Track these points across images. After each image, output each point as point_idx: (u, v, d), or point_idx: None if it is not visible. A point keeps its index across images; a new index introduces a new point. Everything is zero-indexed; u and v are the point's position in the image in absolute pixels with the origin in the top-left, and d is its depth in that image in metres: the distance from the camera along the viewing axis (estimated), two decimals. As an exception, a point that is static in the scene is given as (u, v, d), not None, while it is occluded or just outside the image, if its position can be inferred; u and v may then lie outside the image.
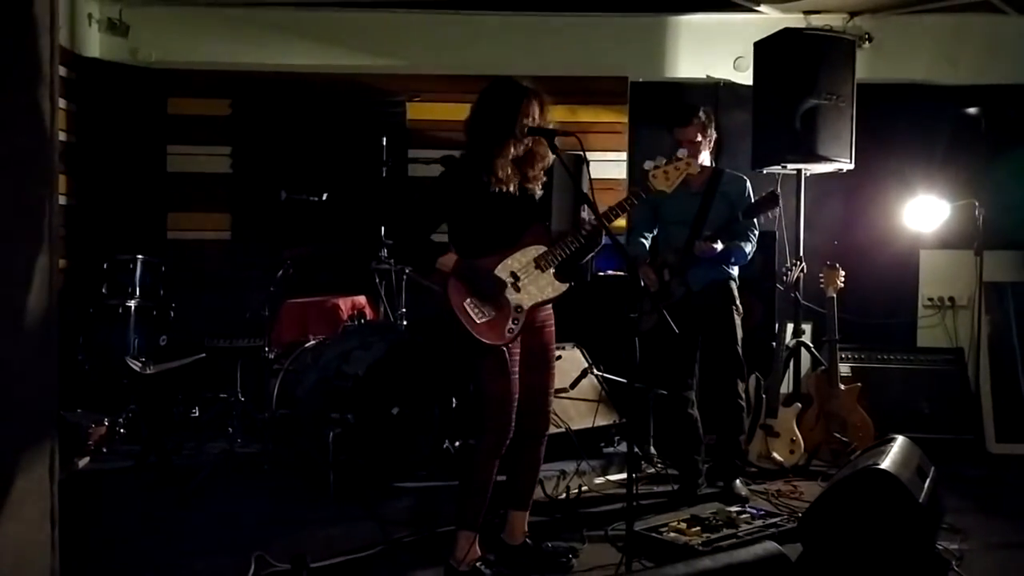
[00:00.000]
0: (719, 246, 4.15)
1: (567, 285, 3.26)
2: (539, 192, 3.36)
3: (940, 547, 3.39)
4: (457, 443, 4.60)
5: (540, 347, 3.33)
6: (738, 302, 4.35)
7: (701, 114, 4.28)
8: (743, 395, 4.42)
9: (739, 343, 4.33)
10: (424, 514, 3.87)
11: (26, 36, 2.42)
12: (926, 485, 3.27)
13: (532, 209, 3.33)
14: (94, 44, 6.21)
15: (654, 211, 4.42)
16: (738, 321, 4.33)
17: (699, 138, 4.26)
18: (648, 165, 3.33)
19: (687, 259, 4.22)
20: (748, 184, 4.39)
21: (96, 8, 6.18)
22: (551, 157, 3.28)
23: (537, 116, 3.21)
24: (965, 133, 6.15)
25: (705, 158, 4.33)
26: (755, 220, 4.29)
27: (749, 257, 4.34)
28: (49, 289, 2.63)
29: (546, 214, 3.43)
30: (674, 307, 4.15)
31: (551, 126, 3.24)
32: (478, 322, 3.10)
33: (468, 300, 3.12)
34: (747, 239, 4.29)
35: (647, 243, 4.45)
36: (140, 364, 4.68)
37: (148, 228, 6.20)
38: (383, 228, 5.24)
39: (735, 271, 4.39)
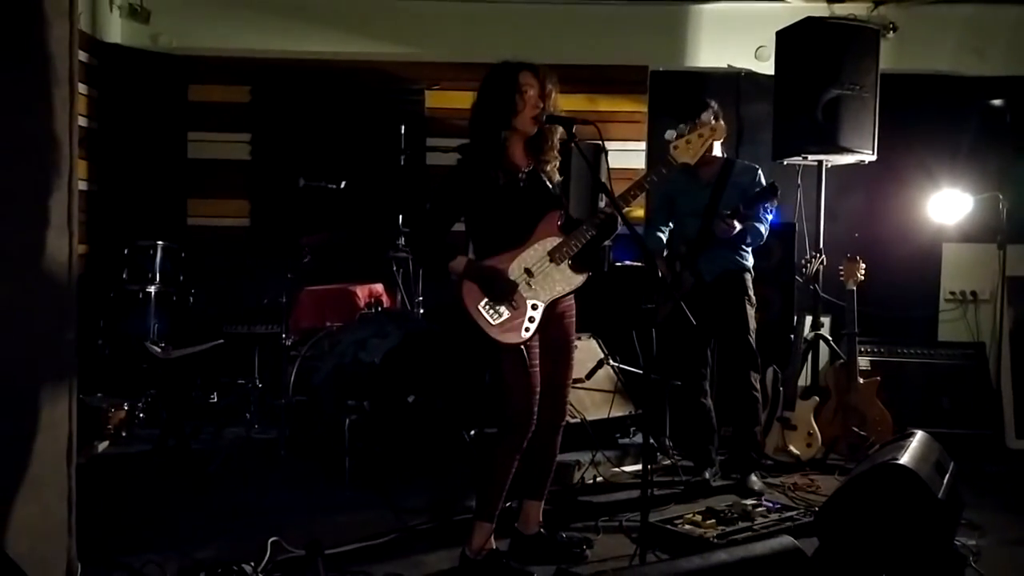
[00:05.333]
0: (738, 226, 4.14)
1: (584, 276, 3.20)
2: (557, 176, 3.31)
3: (957, 543, 3.36)
4: (472, 432, 4.60)
5: (560, 338, 3.29)
6: (751, 292, 4.34)
7: (709, 111, 4.16)
8: (758, 387, 4.41)
9: (752, 334, 4.32)
10: (439, 502, 3.88)
11: (41, 23, 2.43)
12: (945, 481, 3.24)
13: (546, 196, 3.25)
14: (115, 30, 6.23)
15: (670, 204, 4.44)
16: (750, 312, 4.32)
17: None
18: (670, 135, 3.20)
19: (698, 249, 4.25)
20: (759, 172, 4.38)
21: (118, -7, 6.21)
22: (559, 133, 3.22)
23: (535, 87, 3.14)
24: (990, 125, 6.08)
25: (716, 150, 4.30)
26: (768, 203, 4.26)
27: (764, 238, 4.33)
28: (68, 274, 2.66)
29: (562, 201, 3.36)
30: (686, 297, 4.14)
31: (563, 113, 3.19)
32: (493, 324, 3.08)
33: (482, 303, 3.08)
34: (761, 220, 4.28)
35: (664, 236, 4.46)
36: (160, 349, 4.70)
37: (168, 214, 6.24)
38: (400, 216, 5.25)
39: (750, 262, 4.38)
